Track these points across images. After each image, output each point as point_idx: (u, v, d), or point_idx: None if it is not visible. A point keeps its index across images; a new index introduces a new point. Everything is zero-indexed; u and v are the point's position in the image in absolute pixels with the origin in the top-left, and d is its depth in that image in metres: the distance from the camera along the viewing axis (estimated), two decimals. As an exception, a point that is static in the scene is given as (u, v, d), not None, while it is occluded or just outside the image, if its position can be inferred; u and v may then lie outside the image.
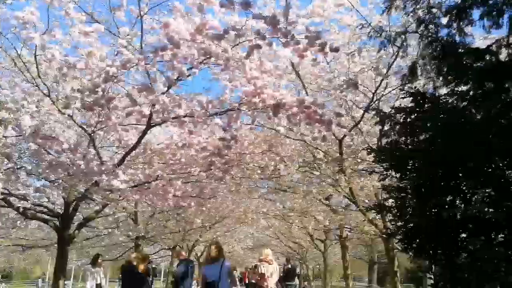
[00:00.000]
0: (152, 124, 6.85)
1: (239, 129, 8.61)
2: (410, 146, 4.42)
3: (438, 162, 4.28)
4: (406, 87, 4.46)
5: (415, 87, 4.35)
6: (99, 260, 10.45)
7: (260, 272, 7.46)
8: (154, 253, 20.55)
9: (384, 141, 4.97)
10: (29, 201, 7.57)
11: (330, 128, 5.35)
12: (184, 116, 6.24)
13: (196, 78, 6.83)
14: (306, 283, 20.65)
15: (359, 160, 6.68)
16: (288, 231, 20.04)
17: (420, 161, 4.36)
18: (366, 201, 9.75)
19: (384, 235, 9.10)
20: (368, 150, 4.87)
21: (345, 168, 7.25)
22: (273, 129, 7.88)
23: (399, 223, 4.83)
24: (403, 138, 4.42)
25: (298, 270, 20.84)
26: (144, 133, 6.96)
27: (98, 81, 4.98)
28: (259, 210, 13.07)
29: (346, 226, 11.16)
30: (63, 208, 8.59)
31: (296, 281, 17.06)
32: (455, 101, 4.28)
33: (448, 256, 4.69)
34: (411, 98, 4.21)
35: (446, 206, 4.60)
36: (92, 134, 7.25)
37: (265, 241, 24.90)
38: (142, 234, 12.38)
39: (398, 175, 4.75)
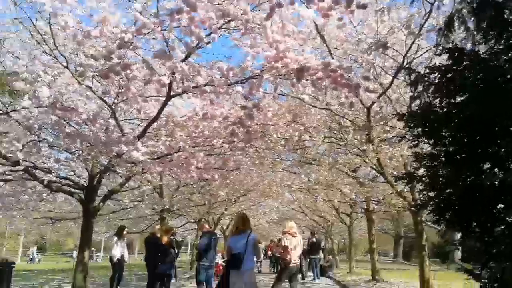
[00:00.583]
0: (172, 95, 6.69)
1: (262, 99, 8.41)
2: (445, 109, 4.05)
3: (475, 126, 3.92)
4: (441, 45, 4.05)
5: (452, 41, 3.94)
6: (124, 232, 10.62)
7: (283, 244, 7.29)
8: (180, 226, 20.90)
9: (416, 105, 4.59)
10: (53, 174, 7.63)
11: (358, 92, 5.01)
12: (205, 85, 6.02)
13: (216, 46, 6.59)
14: (330, 256, 20.58)
15: (388, 128, 6.29)
16: (313, 205, 19.89)
17: (456, 125, 4.00)
18: (394, 172, 9.40)
19: (412, 208, 8.77)
20: (399, 115, 4.52)
21: (373, 138, 6.91)
22: (297, 98, 7.58)
23: (431, 194, 4.52)
24: (438, 100, 4.06)
25: (323, 244, 20.82)
26: (164, 103, 6.81)
27: (113, 48, 4.80)
28: (283, 183, 12.90)
29: (372, 199, 10.85)
30: (87, 181, 8.66)
31: (321, 254, 17.02)
32: (495, 59, 3.86)
33: (483, 228, 4.38)
34: (447, 55, 3.81)
35: (483, 175, 4.27)
36: (113, 106, 7.17)
37: (290, 214, 24.87)
38: (167, 207, 12.46)
39: (431, 141, 4.40)
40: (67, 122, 6.17)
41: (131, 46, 5.23)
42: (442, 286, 10.98)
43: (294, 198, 19.03)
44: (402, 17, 6.52)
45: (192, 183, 12.53)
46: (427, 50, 6.13)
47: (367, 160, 7.49)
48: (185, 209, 14.57)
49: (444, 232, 4.44)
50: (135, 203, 12.63)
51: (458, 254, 20.13)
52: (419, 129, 4.45)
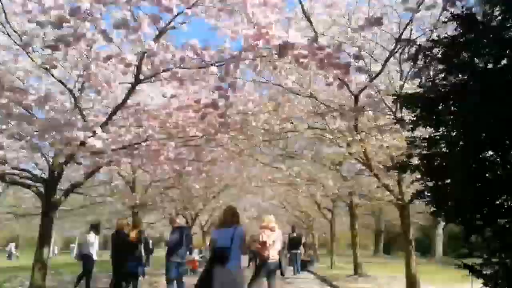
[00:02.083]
0: (141, 79, 6.01)
1: (242, 87, 7.78)
2: (448, 88, 3.52)
3: (485, 107, 3.41)
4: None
5: (462, 6, 3.39)
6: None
7: (261, 240, 6.72)
8: (156, 222, 20.16)
9: (413, 83, 4.05)
10: (7, 165, 6.83)
11: (348, 72, 4.44)
12: (177, 67, 5.35)
13: (191, 29, 5.90)
14: (311, 251, 20.23)
15: (378, 114, 5.75)
16: (294, 200, 19.44)
17: (461, 106, 3.48)
18: (381, 166, 8.94)
19: (399, 201, 8.35)
20: (394, 96, 3.98)
21: (361, 127, 6.39)
22: (280, 86, 6.98)
23: (429, 183, 4.01)
24: (441, 77, 3.52)
25: (303, 238, 20.47)
26: (132, 88, 6.12)
27: (64, 15, 4.08)
28: (263, 178, 12.30)
29: (357, 193, 10.39)
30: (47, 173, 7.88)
31: (301, 249, 16.63)
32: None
33: (486, 221, 3.90)
34: (455, 23, 3.28)
35: (487, 163, 3.79)
36: (73, 90, 6.43)
37: (271, 210, 24.35)
38: (137, 202, 11.69)
39: (431, 124, 3.88)
40: (18, 105, 5.37)
41: (89, 18, 4.53)
42: (426, 280, 10.64)
43: (275, 193, 18.48)
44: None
45: (167, 177, 11.85)
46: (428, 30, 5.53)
47: (352, 151, 6.99)
48: (158, 204, 13.80)
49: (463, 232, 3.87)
50: (104, 197, 11.77)
51: (440, 248, 20.03)
52: (418, 111, 3.93)
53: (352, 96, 6.19)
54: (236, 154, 8.71)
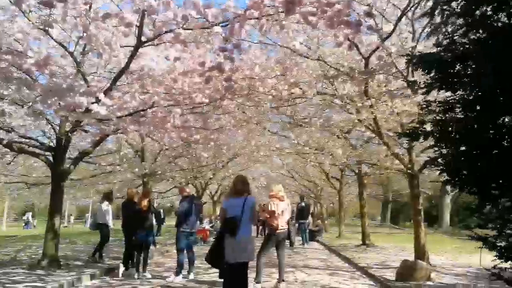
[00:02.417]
0: (143, 41, 5.81)
1: (248, 51, 7.53)
2: (467, 46, 3.29)
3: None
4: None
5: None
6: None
7: (270, 209, 6.60)
8: (166, 191, 20.35)
9: (427, 46, 3.81)
10: (14, 133, 6.79)
11: (359, 30, 4.20)
12: (181, 28, 5.13)
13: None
14: (319, 221, 20.33)
15: (390, 78, 5.51)
16: (302, 170, 19.40)
17: (481, 66, 3.26)
18: (390, 133, 8.75)
19: (409, 171, 8.21)
20: (408, 57, 3.75)
21: (371, 93, 6.16)
22: (287, 48, 6.73)
23: (444, 150, 3.84)
24: (460, 33, 3.29)
25: (311, 208, 20.49)
26: (135, 50, 5.93)
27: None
28: (272, 147, 12.20)
29: (365, 161, 10.24)
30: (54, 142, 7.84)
31: (309, 219, 16.63)
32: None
33: (502, 191, 3.75)
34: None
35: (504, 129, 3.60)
36: (73, 52, 6.28)
37: (279, 179, 24.49)
38: (146, 171, 11.68)
39: (447, 87, 3.67)
40: (18, 69, 5.24)
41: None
42: (434, 251, 10.61)
43: (283, 163, 18.44)
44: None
45: (175, 146, 11.82)
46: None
47: (362, 118, 6.79)
48: (167, 174, 13.83)
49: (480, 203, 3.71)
50: (114, 167, 11.79)
51: (447, 218, 19.86)
52: (433, 73, 3.71)
53: (363, 59, 5.94)
54: (243, 122, 8.56)
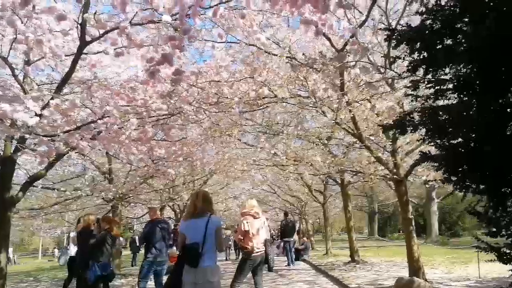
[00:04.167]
0: (88, 41, 5.08)
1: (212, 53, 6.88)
2: (459, 7, 2.66)
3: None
4: None
5: None
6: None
7: (243, 229, 5.73)
8: (142, 216, 19.26)
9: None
10: None
11: (327, 9, 3.55)
12: (129, 23, 4.42)
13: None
14: (305, 238, 19.53)
15: (367, 65, 4.86)
16: (284, 184, 18.68)
17: (477, 29, 2.63)
18: (372, 138, 8.13)
19: (395, 176, 7.56)
20: (387, 30, 3.11)
21: (348, 88, 5.52)
22: (253, 45, 6.07)
23: (440, 141, 3.18)
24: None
25: (297, 225, 19.59)
26: (79, 52, 5.17)
27: None
28: (248, 160, 11.42)
29: (347, 169, 9.56)
30: None
31: (295, 237, 15.70)
32: None
33: None
34: None
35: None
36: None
37: (262, 196, 23.70)
38: (111, 194, 10.71)
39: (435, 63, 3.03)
40: None
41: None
42: (427, 263, 9.93)
43: (264, 178, 17.66)
44: None
45: (142, 164, 10.92)
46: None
47: (340, 118, 6.15)
48: (138, 197, 12.87)
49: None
50: (77, 192, 10.77)
51: (435, 227, 19.19)
52: (416, 48, 3.07)
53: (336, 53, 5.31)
54: (214, 132, 7.82)
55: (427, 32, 2.94)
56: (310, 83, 6.14)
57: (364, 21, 4.94)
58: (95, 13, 4.43)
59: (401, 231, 35.94)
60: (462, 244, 17.88)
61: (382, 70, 5.96)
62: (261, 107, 6.97)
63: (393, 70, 5.20)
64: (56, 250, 35.82)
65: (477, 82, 2.89)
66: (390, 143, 7.42)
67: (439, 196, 24.72)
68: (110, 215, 12.99)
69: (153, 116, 6.18)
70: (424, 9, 2.94)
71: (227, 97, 6.83)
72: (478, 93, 2.92)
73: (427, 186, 18.30)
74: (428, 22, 2.90)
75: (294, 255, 14.37)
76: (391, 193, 26.92)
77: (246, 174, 13.59)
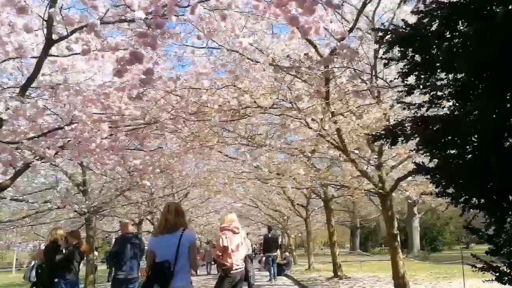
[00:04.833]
0: (54, 39, 4.69)
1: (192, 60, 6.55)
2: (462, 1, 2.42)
3: None
4: None
5: None
6: None
7: (221, 245, 5.37)
8: (119, 230, 18.50)
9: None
10: None
11: (314, 11, 3.28)
12: (99, 20, 4.06)
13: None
14: (287, 253, 19.10)
15: (355, 73, 4.60)
16: (267, 198, 18.31)
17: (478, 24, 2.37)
18: (356, 151, 7.89)
19: (381, 190, 7.32)
20: (379, 31, 2.85)
21: (333, 99, 5.27)
22: (235, 52, 5.78)
23: (437, 152, 2.90)
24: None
25: (280, 240, 19.22)
26: (44, 51, 4.77)
27: None
28: (229, 173, 11.04)
29: (331, 183, 9.29)
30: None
31: (277, 252, 15.31)
32: None
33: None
34: None
35: None
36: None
37: (244, 211, 23.26)
38: (84, 207, 10.16)
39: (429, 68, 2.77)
40: None
41: None
42: (410, 278, 9.64)
43: (245, 191, 17.26)
44: None
45: (120, 176, 10.42)
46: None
47: (324, 129, 5.87)
48: (119, 209, 12.31)
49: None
50: (48, 204, 10.16)
51: (417, 241, 19.06)
52: (410, 52, 2.81)
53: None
54: (191, 142, 7.45)
55: (423, 31, 2.68)
56: (294, 93, 5.84)
57: (351, 29, 4.70)
58: (61, 8, 4.05)
59: (382, 246, 35.88)
60: (444, 259, 17.79)
61: (368, 82, 5.78)
62: (243, 116, 6.63)
63: (382, 79, 4.96)
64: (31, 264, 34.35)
65: (481, 86, 2.63)
66: (376, 156, 7.19)
67: (420, 211, 24.75)
68: (84, 229, 12.40)
69: (129, 126, 5.78)
70: (421, 7, 2.69)
71: (207, 106, 6.50)
72: (482, 98, 2.66)
73: (409, 201, 18.21)
74: (426, 20, 2.65)
75: (276, 270, 14.01)
76: (373, 208, 26.86)
77: (227, 187, 13.20)
